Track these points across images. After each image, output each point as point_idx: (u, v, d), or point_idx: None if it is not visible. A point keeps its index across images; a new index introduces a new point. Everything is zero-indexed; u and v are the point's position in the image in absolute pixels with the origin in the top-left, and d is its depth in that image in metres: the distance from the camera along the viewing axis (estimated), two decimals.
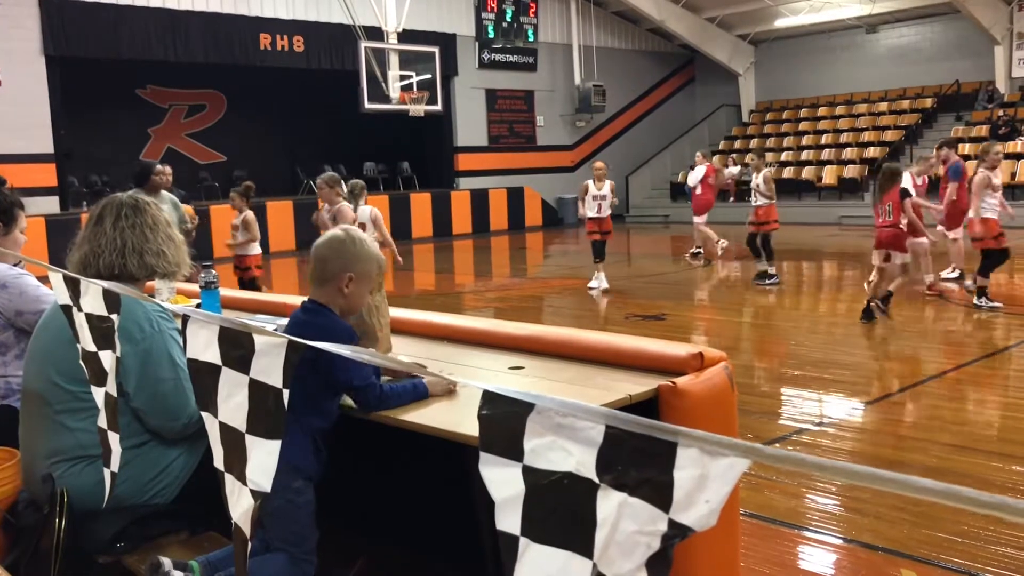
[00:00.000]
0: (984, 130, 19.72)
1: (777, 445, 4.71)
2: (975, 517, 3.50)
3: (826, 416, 5.50)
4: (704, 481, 0.89)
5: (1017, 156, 18.35)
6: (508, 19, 21.36)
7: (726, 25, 24.22)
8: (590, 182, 10.95)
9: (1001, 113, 19.63)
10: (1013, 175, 18.03)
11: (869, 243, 14.66)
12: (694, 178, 13.52)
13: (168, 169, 7.81)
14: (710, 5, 23.20)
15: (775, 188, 11.32)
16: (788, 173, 21.54)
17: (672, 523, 0.91)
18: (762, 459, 0.86)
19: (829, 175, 20.82)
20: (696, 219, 13.55)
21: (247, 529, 1.51)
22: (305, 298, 2.45)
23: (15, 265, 3.20)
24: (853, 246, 15.55)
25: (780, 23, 23.11)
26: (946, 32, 21.65)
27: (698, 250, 13.84)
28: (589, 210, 10.88)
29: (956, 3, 19.69)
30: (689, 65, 26.21)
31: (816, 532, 3.64)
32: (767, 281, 10.86)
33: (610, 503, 0.93)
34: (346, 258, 2.33)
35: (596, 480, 0.94)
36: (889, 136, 21.23)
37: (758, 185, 11.14)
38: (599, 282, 10.96)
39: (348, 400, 2.33)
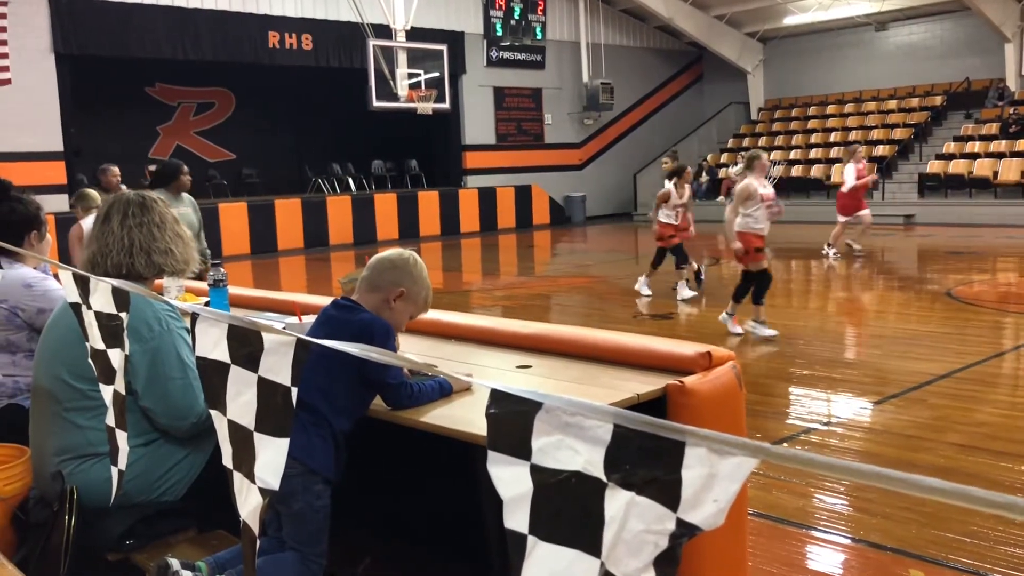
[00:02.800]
0: (994, 128, 19.64)
1: (785, 444, 4.70)
2: (984, 517, 3.49)
3: (834, 415, 5.48)
4: (712, 480, 0.89)
5: None
6: (516, 17, 21.35)
7: (735, 23, 24.16)
8: (672, 187, 9.98)
9: (1012, 111, 19.54)
10: (1023, 173, 17.94)
11: (879, 242, 14.62)
12: (849, 177, 13.23)
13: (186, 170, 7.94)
14: (719, 2, 23.14)
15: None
16: (797, 171, 21.48)
17: (680, 522, 0.91)
18: (770, 458, 0.86)
19: (838, 173, 20.72)
20: (841, 218, 13.32)
21: (255, 527, 1.51)
22: (335, 297, 2.47)
23: (35, 268, 3.25)
24: (862, 245, 15.48)
25: (789, 21, 23.03)
26: (956, 29, 21.56)
27: (859, 250, 13.52)
28: (668, 218, 9.96)
29: (966, 0, 19.60)
30: (697, 63, 26.16)
31: (824, 532, 3.63)
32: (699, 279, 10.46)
33: (618, 502, 0.93)
34: (404, 274, 2.38)
35: (604, 479, 0.94)
36: (899, 134, 21.15)
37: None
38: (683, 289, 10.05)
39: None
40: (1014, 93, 20.46)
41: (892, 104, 22.44)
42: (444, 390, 2.34)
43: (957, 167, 18.97)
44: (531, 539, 0.97)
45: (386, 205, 19.69)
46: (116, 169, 8.69)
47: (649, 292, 10.14)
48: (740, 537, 2.45)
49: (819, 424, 5.21)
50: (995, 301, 9.44)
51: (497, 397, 1.00)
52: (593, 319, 9.21)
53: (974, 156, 19.07)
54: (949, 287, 10.06)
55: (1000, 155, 18.59)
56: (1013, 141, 18.77)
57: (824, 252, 13.18)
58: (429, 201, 20.42)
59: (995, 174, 18.22)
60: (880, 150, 20.89)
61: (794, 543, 3.56)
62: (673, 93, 25.88)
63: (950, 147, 19.87)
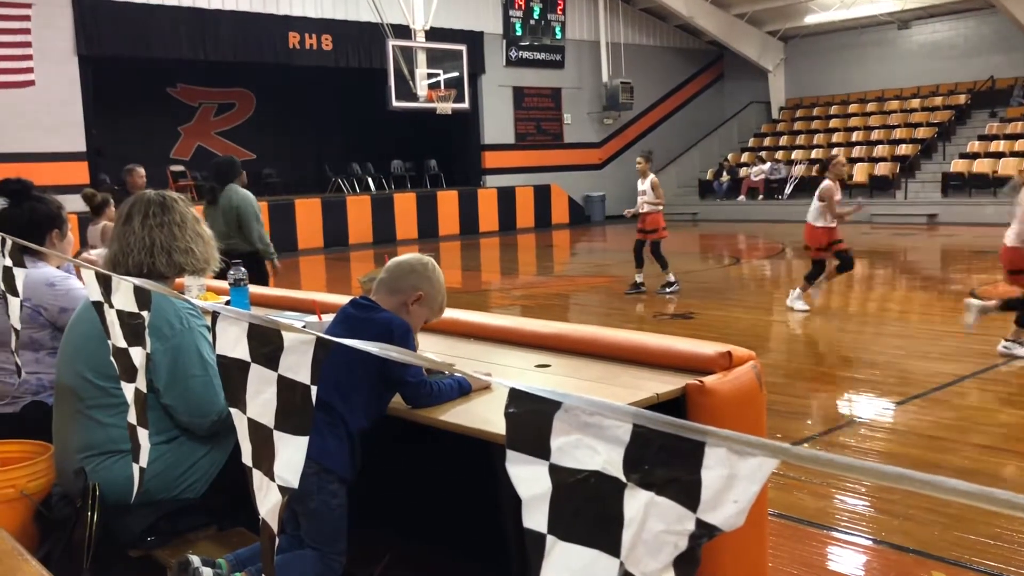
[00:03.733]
0: (1020, 126, 19.42)
1: (806, 445, 4.67)
2: (1008, 520, 3.45)
3: (856, 416, 5.44)
4: (732, 481, 0.88)
5: None
6: (536, 17, 21.34)
7: (755, 21, 24.03)
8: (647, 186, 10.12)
9: None
10: None
11: (901, 242, 14.48)
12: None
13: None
14: (739, 1, 23.03)
15: (664, 194, 10.65)
16: (818, 171, 21.33)
17: (700, 523, 0.90)
18: (791, 459, 0.86)
19: (860, 173, 20.60)
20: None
21: (274, 525, 1.52)
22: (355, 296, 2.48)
23: (58, 267, 3.29)
24: (885, 245, 15.38)
25: (810, 19, 22.88)
26: (980, 27, 21.34)
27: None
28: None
29: None
30: (718, 62, 26.04)
31: (845, 533, 3.60)
32: (667, 290, 10.19)
33: (637, 502, 0.93)
34: (423, 278, 2.42)
35: (623, 479, 0.94)
36: (921, 133, 20.97)
37: (644, 191, 10.20)
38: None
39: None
40: None
41: (915, 103, 22.25)
42: (463, 389, 2.35)
43: (982, 166, 18.78)
44: (550, 539, 0.97)
45: (405, 205, 19.73)
46: (141, 170, 8.77)
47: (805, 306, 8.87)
48: (760, 538, 2.43)
49: (840, 424, 5.18)
50: None
51: (516, 396, 0.99)
52: (612, 319, 9.19)
53: (999, 155, 18.87)
54: (973, 287, 9.96)
55: None
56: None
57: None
58: (448, 201, 20.46)
59: (1020, 173, 18.01)
60: (903, 149, 20.71)
61: (815, 544, 3.53)
62: (693, 92, 25.77)
63: (974, 146, 19.66)
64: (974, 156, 19.28)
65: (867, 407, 5.63)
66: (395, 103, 16.28)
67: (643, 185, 10.26)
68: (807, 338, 7.84)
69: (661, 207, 10.34)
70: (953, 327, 8.03)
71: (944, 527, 3.51)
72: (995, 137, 19.62)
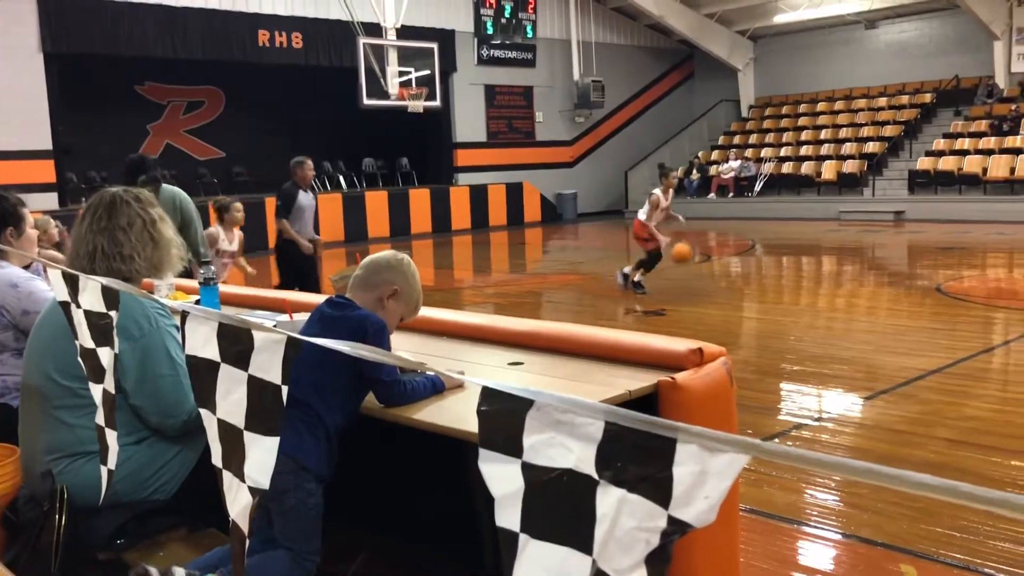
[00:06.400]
0: (984, 125, 19.72)
1: (776, 440, 4.71)
2: (974, 512, 3.50)
3: (825, 411, 5.50)
4: (704, 477, 0.88)
5: (1017, 151, 18.33)
6: (507, 15, 21.35)
7: (725, 20, 24.20)
8: (660, 192, 9.87)
9: (1013, 108, 19.55)
10: (1012, 170, 18.01)
11: (869, 238, 14.65)
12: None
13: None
14: (709, 0, 23.18)
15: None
16: (787, 168, 21.54)
17: (671, 519, 0.91)
18: (761, 455, 0.86)
19: (828, 170, 20.82)
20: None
21: (245, 526, 1.51)
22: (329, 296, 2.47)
23: (25, 268, 3.23)
24: (853, 241, 15.55)
25: (779, 19, 23.08)
26: (945, 27, 21.64)
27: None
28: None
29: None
30: (688, 61, 26.19)
31: (815, 527, 3.64)
32: (631, 285, 10.15)
33: (609, 499, 0.93)
34: (398, 273, 2.41)
35: (595, 476, 0.94)
36: (888, 131, 21.23)
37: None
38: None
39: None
40: (1003, 90, 20.55)
41: (882, 101, 22.52)
42: (436, 387, 2.34)
43: (947, 164, 19.05)
44: (523, 537, 0.97)
45: (377, 203, 19.66)
46: (310, 162, 8.62)
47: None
48: (732, 533, 2.45)
49: (810, 420, 5.23)
50: (985, 296, 9.49)
51: (488, 394, 0.99)
52: (585, 316, 9.22)
53: (963, 153, 19.16)
54: (939, 282, 10.11)
55: (989, 152, 18.68)
56: (1002, 138, 18.85)
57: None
58: (420, 199, 20.41)
59: (984, 171, 18.31)
60: (870, 147, 20.96)
61: (786, 539, 3.57)
62: (664, 91, 25.91)
63: (940, 144, 19.95)
64: (939, 154, 19.56)
65: (836, 402, 5.69)
66: (366, 101, 16.20)
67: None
68: (777, 334, 7.91)
69: (651, 220, 9.93)
70: (920, 322, 8.14)
71: (912, 520, 3.56)
72: (960, 135, 19.92)
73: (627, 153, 24.36)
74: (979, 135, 19.50)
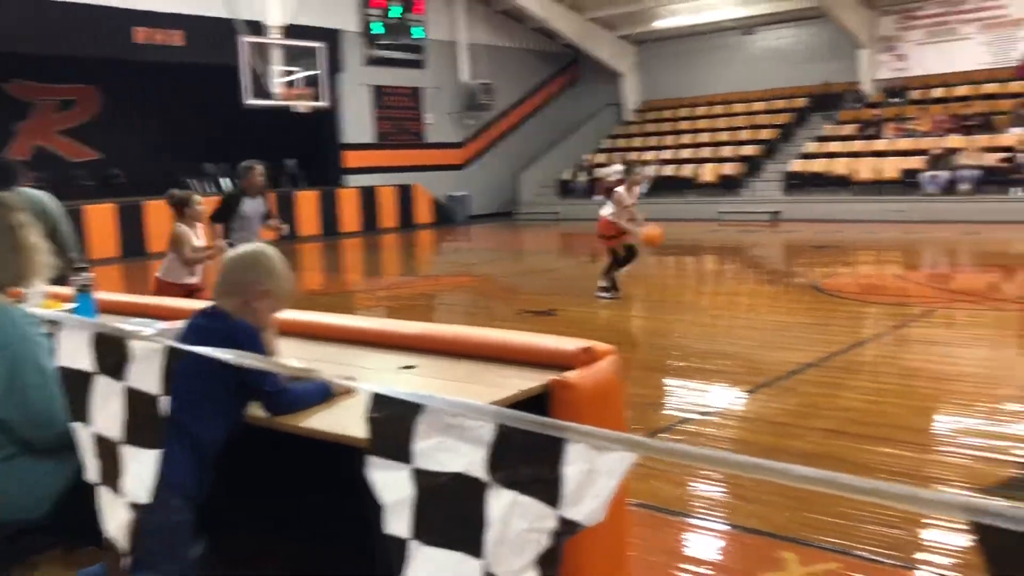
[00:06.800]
0: (851, 129, 20.73)
1: (664, 435, 4.83)
2: (849, 500, 3.66)
3: (710, 405, 5.67)
4: (593, 476, 0.90)
5: (881, 154, 19.34)
6: (393, 16, 21.21)
7: (608, 25, 24.67)
8: (624, 191, 9.57)
9: (877, 113, 20.63)
10: (878, 172, 18.98)
11: (748, 238, 15.12)
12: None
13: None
14: (593, 5, 23.58)
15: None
16: (669, 171, 22.13)
17: (562, 519, 0.92)
18: (648, 452, 0.88)
19: (709, 172, 21.50)
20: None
21: (123, 543, 1.44)
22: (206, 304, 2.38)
23: None
24: (732, 241, 16.11)
25: (660, 24, 23.69)
26: (817, 35, 22.62)
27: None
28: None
29: (824, 8, 20.63)
30: (575, 64, 26.58)
31: (702, 519, 3.75)
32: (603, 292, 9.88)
33: (501, 502, 0.93)
34: (261, 271, 2.30)
35: (486, 479, 0.94)
36: (765, 135, 22.07)
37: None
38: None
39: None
40: (868, 97, 21.66)
41: (759, 106, 23.39)
42: (325, 394, 2.29)
43: (818, 166, 19.96)
44: (413, 543, 0.96)
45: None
46: (261, 167, 8.36)
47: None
48: (621, 529, 2.50)
49: (696, 414, 5.38)
50: (857, 292, 9.97)
51: (378, 400, 0.98)
52: (478, 318, 9.24)
53: (833, 156, 20.11)
54: (815, 280, 10.57)
55: (857, 154, 19.66)
56: (869, 141, 19.87)
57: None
58: (308, 201, 20.04)
59: (853, 172, 19.25)
60: (748, 150, 21.75)
61: (674, 531, 3.66)
62: (552, 94, 26.22)
63: (812, 147, 20.87)
64: (812, 157, 20.48)
65: (720, 396, 5.88)
66: (250, 101, 15.81)
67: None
68: (664, 332, 8.11)
69: (620, 219, 9.59)
70: (797, 318, 8.50)
71: (793, 509, 3.70)
72: (830, 139, 20.89)
73: (517, 155, 24.56)
74: (848, 139, 20.50)
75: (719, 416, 5.38)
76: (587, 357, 2.40)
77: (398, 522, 0.96)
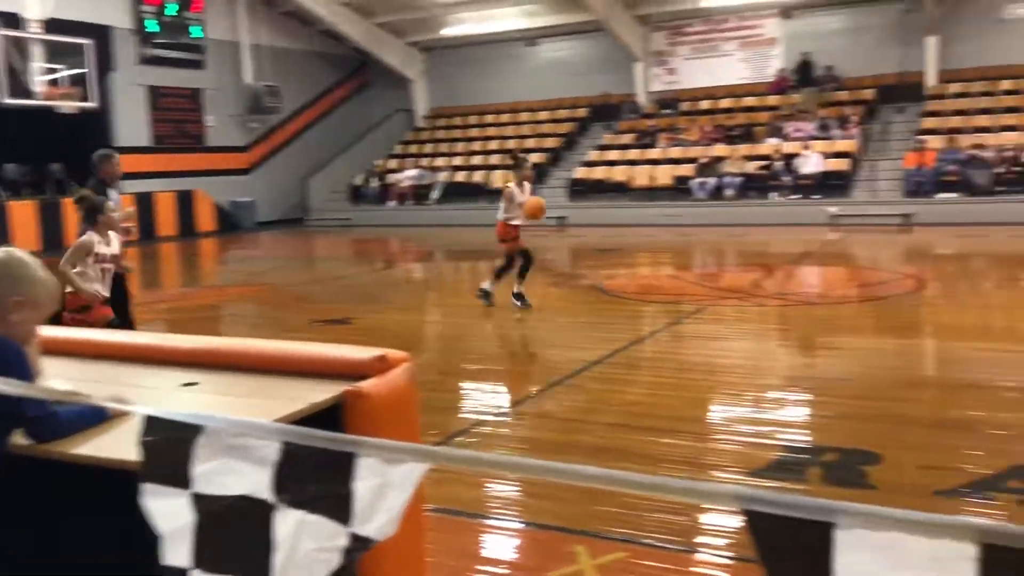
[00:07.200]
0: (630, 138, 21.89)
1: (460, 439, 4.88)
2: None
3: (504, 406, 5.80)
4: (385, 490, 0.89)
5: (655, 162, 20.55)
6: (170, 13, 20.16)
7: (397, 31, 24.67)
8: (514, 186, 9.04)
9: (651, 123, 21.88)
10: (652, 179, 20.15)
11: (536, 243, 15.62)
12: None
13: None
14: (381, 10, 23.49)
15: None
16: (460, 177, 22.43)
17: (354, 536, 0.90)
18: (439, 461, 0.88)
19: (497, 179, 21.96)
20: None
21: None
22: None
23: None
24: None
25: (446, 32, 23.97)
26: (596, 48, 23.67)
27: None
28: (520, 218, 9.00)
29: (602, 22, 21.67)
30: (364, 69, 26.36)
31: (499, 519, 3.82)
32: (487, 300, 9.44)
33: (288, 523, 0.90)
34: (16, 279, 2.06)
35: (272, 500, 0.90)
36: (550, 143, 22.86)
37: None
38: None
39: None
40: (644, 107, 22.96)
41: (544, 115, 24.20)
42: (99, 417, 2.12)
43: (599, 173, 20.92)
44: (195, 573, 0.91)
45: (23, 213, 17.64)
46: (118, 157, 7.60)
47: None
48: (418, 535, 2.49)
49: (491, 415, 5.48)
50: (637, 292, 10.54)
51: (152, 424, 0.92)
52: (267, 329, 8.94)
53: (613, 164, 21.15)
54: (599, 281, 11.06)
55: (634, 162, 20.79)
56: (644, 150, 21.06)
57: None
58: (72, 209, 18.59)
59: (630, 179, 20.33)
60: (535, 158, 22.43)
61: (471, 533, 3.71)
62: (341, 98, 25.85)
63: (593, 156, 21.85)
64: (593, 164, 21.44)
65: (513, 396, 6.03)
66: (6, 99, 14.49)
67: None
68: (459, 336, 8.20)
69: (508, 217, 9.04)
70: (584, 318, 8.86)
71: (583, 503, 3.84)
72: (610, 147, 21.97)
73: (306, 160, 24.01)
74: (626, 147, 21.63)
75: (513, 415, 5.51)
76: (381, 365, 2.38)
77: (176, 552, 0.90)
